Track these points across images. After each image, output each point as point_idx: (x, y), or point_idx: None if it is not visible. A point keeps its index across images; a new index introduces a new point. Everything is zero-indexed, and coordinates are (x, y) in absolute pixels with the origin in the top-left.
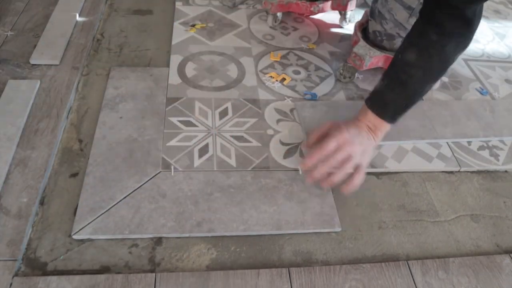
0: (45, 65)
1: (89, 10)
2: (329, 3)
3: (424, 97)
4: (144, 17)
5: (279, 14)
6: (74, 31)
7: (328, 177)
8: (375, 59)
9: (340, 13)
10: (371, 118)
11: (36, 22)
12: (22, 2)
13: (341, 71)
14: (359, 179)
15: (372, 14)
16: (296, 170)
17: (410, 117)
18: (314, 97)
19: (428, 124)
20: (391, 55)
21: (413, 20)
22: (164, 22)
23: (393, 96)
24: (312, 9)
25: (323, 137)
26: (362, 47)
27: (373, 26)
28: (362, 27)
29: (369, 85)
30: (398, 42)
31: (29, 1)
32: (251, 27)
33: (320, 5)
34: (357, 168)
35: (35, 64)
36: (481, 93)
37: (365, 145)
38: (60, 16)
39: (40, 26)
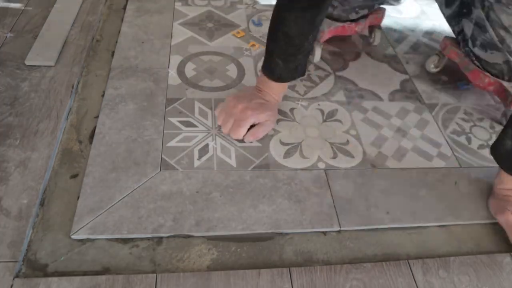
0: (45, 66)
1: (89, 11)
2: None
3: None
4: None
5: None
6: (73, 32)
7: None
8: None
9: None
10: (262, 80)
11: (35, 24)
12: (21, 3)
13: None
14: (258, 132)
15: None
16: (296, 170)
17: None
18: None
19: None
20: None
21: None
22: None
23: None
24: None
25: None
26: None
27: None
28: None
29: (369, 85)
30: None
31: (28, 2)
32: (251, 27)
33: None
34: (257, 124)
35: (34, 65)
36: None
37: (253, 105)
38: (57, 17)
39: (40, 27)
